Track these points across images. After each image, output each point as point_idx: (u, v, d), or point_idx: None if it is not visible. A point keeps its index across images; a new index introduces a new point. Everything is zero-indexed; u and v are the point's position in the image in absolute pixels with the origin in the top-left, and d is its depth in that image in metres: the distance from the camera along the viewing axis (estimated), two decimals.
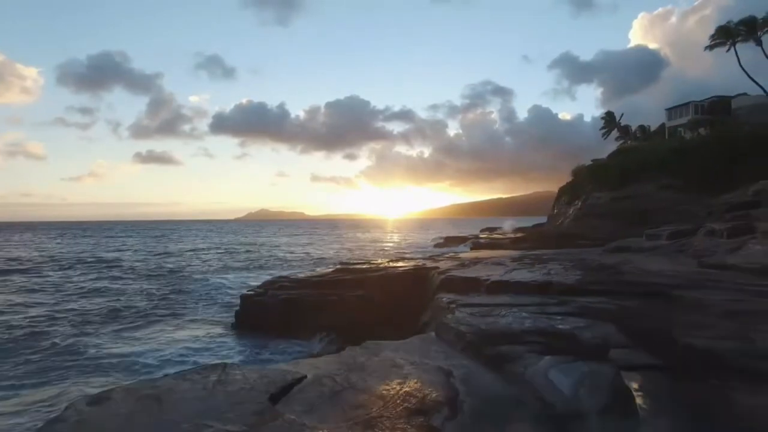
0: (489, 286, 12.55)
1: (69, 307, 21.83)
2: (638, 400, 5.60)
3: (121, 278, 32.76)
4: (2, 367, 12.85)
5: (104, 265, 40.69)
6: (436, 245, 57.39)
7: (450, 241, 59.29)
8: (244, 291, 18.90)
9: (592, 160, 53.76)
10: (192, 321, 19.23)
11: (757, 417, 4.98)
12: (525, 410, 5.08)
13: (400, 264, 19.15)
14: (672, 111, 52.53)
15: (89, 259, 45.64)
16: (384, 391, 4.85)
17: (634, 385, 5.96)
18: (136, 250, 58.60)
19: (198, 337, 16.18)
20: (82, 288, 27.68)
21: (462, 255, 23.47)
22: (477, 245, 40.70)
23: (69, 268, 38.74)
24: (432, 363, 6.07)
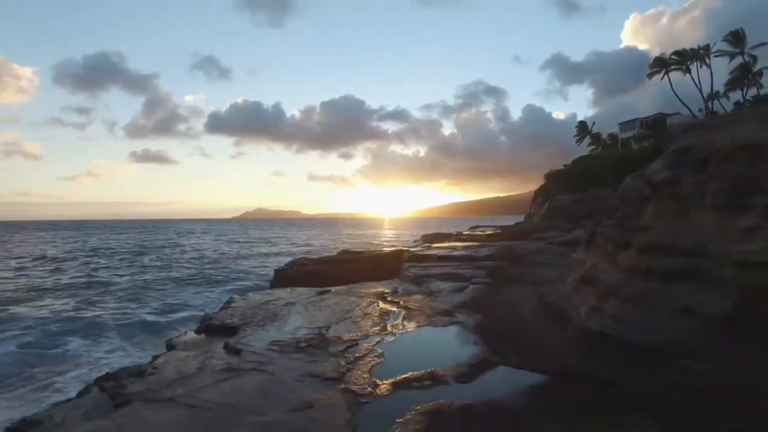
0: (437, 257, 20.78)
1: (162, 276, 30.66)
2: (470, 287, 13.84)
3: (179, 262, 41.25)
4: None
5: (153, 256, 48.54)
6: (424, 238, 65.47)
7: (436, 237, 67.47)
8: (276, 267, 27.03)
9: (572, 162, 61.24)
10: (243, 283, 27.88)
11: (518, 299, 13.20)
12: (423, 293, 13.38)
13: (386, 249, 27.38)
14: (623, 125, 60.86)
15: (141, 249, 54.41)
16: (368, 291, 13.25)
17: (472, 287, 14.18)
18: (178, 245, 66.56)
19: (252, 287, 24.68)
20: (156, 266, 36.42)
21: (435, 244, 31.65)
22: (458, 239, 48.95)
23: (128, 256, 46.99)
24: (392, 286, 14.42)
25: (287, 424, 5.39)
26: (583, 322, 8.16)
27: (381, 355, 8.08)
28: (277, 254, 50.45)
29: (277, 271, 25.92)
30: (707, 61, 46.98)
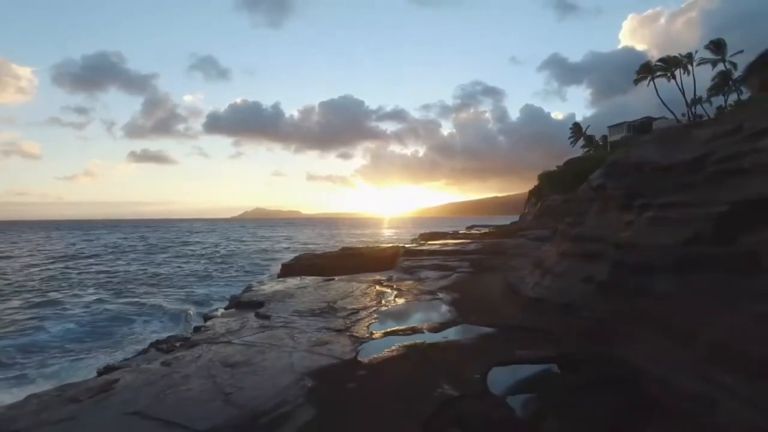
0: (429, 252, 23.51)
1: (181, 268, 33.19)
2: (453, 275, 16.55)
3: (195, 258, 44.00)
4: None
5: (169, 254, 51.29)
6: (421, 236, 68.15)
7: (433, 235, 70.20)
8: (283, 261, 29.75)
9: (564, 163, 63.84)
10: (256, 276, 30.54)
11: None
12: (413, 280, 16.08)
13: (383, 246, 30.03)
14: (612, 128, 63.60)
15: (155, 247, 57.05)
16: (367, 279, 16.14)
17: (455, 275, 16.87)
18: (188, 243, 69.45)
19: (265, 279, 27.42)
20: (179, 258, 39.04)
21: (430, 242, 34.38)
22: (454, 237, 51.69)
23: (149, 251, 49.72)
24: (388, 275, 17.21)
25: (312, 351, 8.07)
26: (528, 293, 10.85)
27: (376, 318, 10.77)
28: (282, 251, 53.19)
29: (284, 265, 28.59)
30: (690, 68, 49.95)
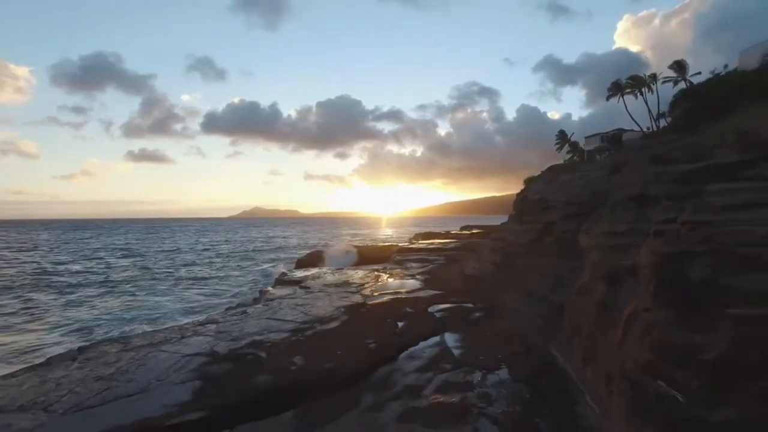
0: (416, 249, 30.45)
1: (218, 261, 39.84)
2: (430, 266, 23.48)
3: (219, 255, 50.85)
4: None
5: (191, 253, 57.91)
6: (416, 236, 74.68)
7: (427, 235, 76.92)
8: (299, 257, 36.65)
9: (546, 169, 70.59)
10: (279, 264, 37.51)
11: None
12: (401, 268, 23.03)
13: (380, 244, 36.91)
14: (588, 138, 70.41)
15: (176, 247, 63.43)
16: (368, 268, 23.08)
17: (432, 266, 23.78)
18: (200, 242, 75.94)
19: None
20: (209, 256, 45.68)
21: (422, 241, 41.40)
22: (445, 236, 58.49)
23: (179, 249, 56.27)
24: (383, 265, 24.35)
25: (341, 299, 14.94)
26: (466, 273, 17.75)
27: (374, 288, 17.63)
28: (295, 248, 60.03)
29: (299, 261, 35.44)
30: (653, 87, 56.71)
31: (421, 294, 16.02)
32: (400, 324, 11.85)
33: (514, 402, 6.82)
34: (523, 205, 16.26)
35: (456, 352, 9.61)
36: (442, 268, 23.64)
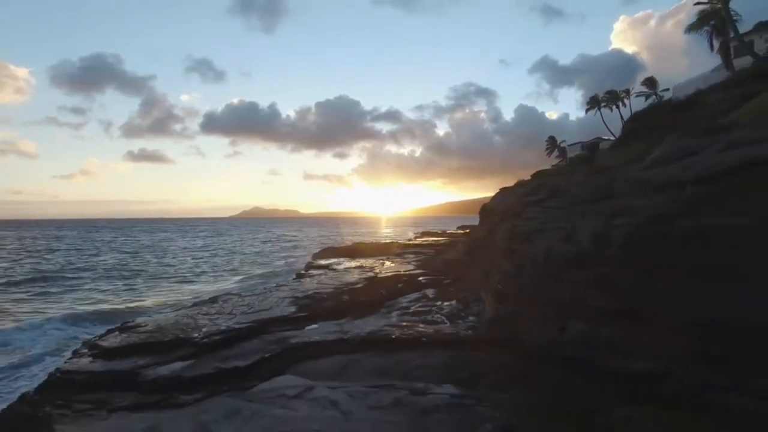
0: (413, 245, 37.84)
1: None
2: (423, 256, 30.84)
3: (234, 253, 57.93)
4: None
5: (207, 253, 64.90)
6: (415, 235, 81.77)
7: (425, 234, 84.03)
8: (314, 252, 43.90)
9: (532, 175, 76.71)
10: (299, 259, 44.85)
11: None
12: (400, 259, 30.36)
13: (381, 242, 44.37)
14: (570, 146, 77.37)
15: (206, 243, 70.99)
16: (376, 259, 30.42)
17: (424, 256, 31.14)
18: (211, 243, 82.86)
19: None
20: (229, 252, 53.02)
21: (418, 238, 48.75)
22: (442, 235, 65.73)
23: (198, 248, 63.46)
24: (386, 257, 31.69)
25: (360, 276, 22.24)
26: (447, 258, 25.05)
27: (382, 270, 24.92)
28: (306, 244, 67.32)
29: (315, 255, 42.80)
30: (627, 101, 63.81)
31: (414, 272, 23.32)
32: (399, 285, 19.19)
33: (453, 310, 14.19)
34: (484, 211, 23.59)
35: (430, 296, 16.93)
36: (432, 257, 30.85)
